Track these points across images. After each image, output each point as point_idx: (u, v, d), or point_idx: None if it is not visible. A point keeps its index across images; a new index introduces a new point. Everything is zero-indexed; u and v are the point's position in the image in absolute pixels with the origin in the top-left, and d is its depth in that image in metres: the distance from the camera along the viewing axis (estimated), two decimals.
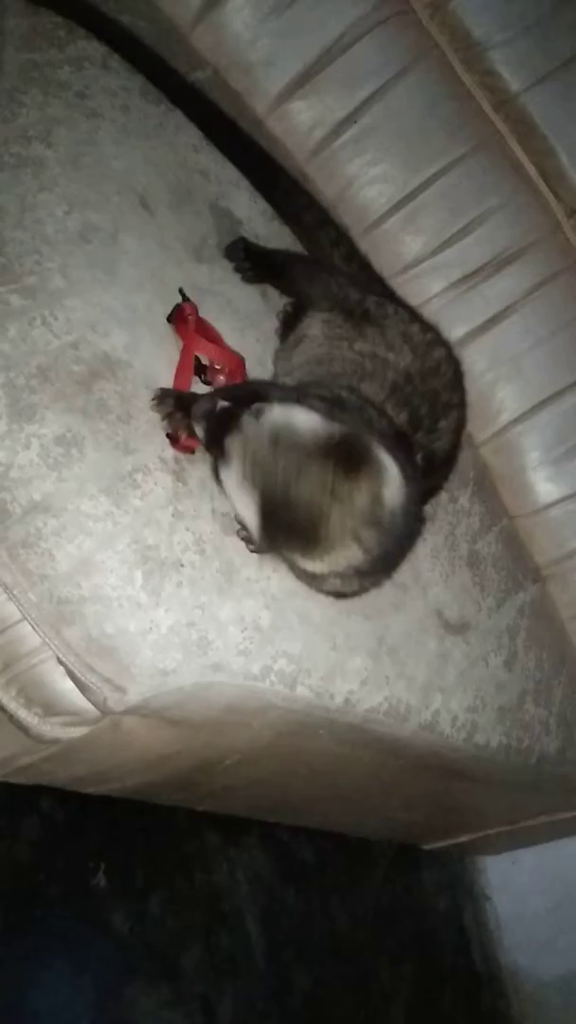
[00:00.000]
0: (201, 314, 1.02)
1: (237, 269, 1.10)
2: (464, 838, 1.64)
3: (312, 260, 1.20)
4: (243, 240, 1.11)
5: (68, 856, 1.28)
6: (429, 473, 1.04)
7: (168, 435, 0.91)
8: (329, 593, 0.95)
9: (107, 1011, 1.26)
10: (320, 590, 0.95)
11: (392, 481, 0.84)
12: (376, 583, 0.96)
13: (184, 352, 0.96)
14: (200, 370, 0.97)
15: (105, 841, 1.31)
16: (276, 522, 0.83)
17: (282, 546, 0.87)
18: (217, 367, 0.98)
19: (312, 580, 0.93)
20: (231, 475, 0.84)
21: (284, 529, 0.84)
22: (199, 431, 0.88)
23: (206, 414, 0.85)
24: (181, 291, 1.01)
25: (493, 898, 1.78)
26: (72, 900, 1.26)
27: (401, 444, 0.94)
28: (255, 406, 0.84)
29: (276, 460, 0.81)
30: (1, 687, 0.95)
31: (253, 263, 1.10)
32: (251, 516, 0.84)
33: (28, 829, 1.25)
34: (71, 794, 1.20)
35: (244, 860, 1.45)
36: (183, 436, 0.91)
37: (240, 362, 1.00)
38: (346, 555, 0.86)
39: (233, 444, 0.83)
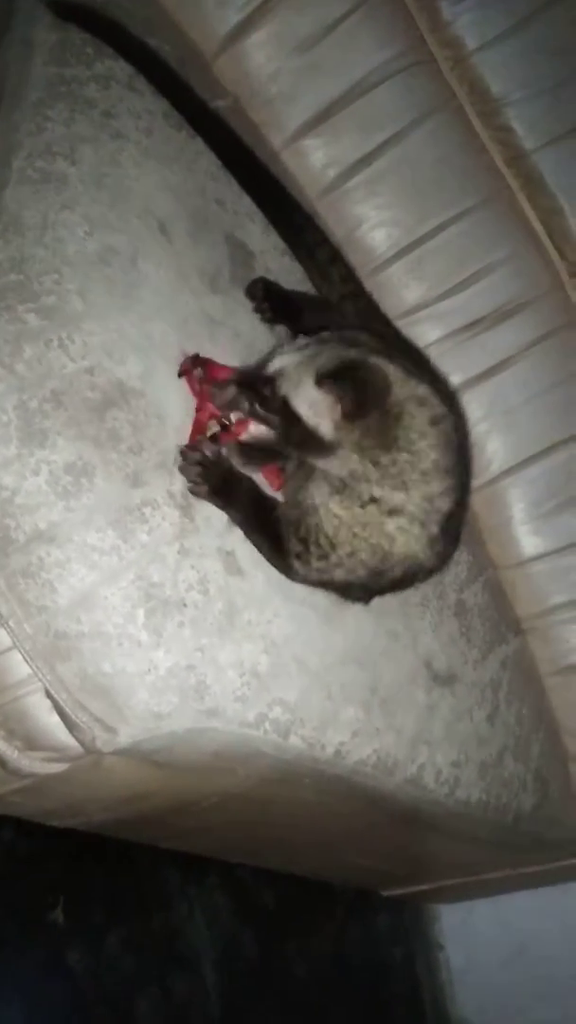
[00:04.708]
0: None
1: (256, 309, 1.09)
2: (424, 886, 1.62)
3: (326, 305, 1.19)
4: (263, 280, 1.10)
5: (26, 889, 1.23)
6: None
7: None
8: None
9: None
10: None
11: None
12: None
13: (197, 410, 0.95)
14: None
15: (65, 875, 1.26)
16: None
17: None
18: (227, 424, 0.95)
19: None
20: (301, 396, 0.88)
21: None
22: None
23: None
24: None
25: (446, 947, 1.76)
26: (28, 935, 1.21)
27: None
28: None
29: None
30: None
31: (272, 304, 1.09)
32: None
33: None
34: (33, 825, 1.15)
35: (204, 900, 1.41)
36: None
37: None
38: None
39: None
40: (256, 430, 0.92)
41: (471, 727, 1.15)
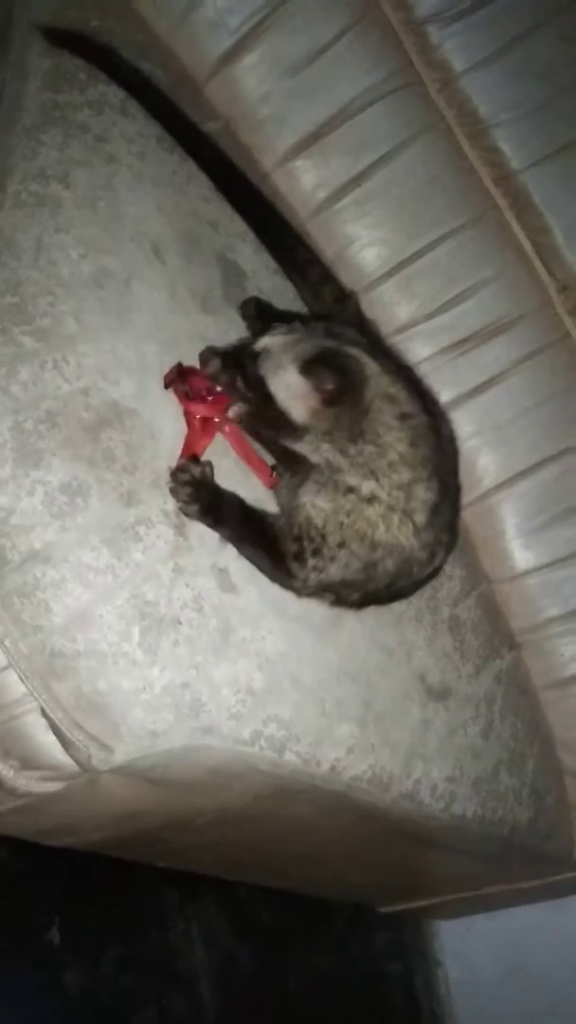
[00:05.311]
0: None
1: (249, 328, 1.10)
2: (421, 902, 1.62)
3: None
4: (256, 299, 1.12)
5: (22, 908, 1.23)
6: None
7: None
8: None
9: None
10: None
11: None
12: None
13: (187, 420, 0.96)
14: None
15: (61, 895, 1.26)
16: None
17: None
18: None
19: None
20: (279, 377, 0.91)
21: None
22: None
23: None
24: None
25: (445, 964, 1.75)
26: (24, 955, 1.21)
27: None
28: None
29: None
30: None
31: (265, 323, 1.10)
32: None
33: None
34: (29, 844, 1.15)
35: (201, 919, 1.41)
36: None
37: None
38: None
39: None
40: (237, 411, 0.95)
41: (466, 741, 1.16)
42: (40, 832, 1.11)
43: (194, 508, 0.91)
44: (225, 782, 0.95)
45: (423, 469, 0.96)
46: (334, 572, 0.96)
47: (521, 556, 1.43)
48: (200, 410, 0.95)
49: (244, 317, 1.11)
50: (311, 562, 0.95)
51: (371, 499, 0.94)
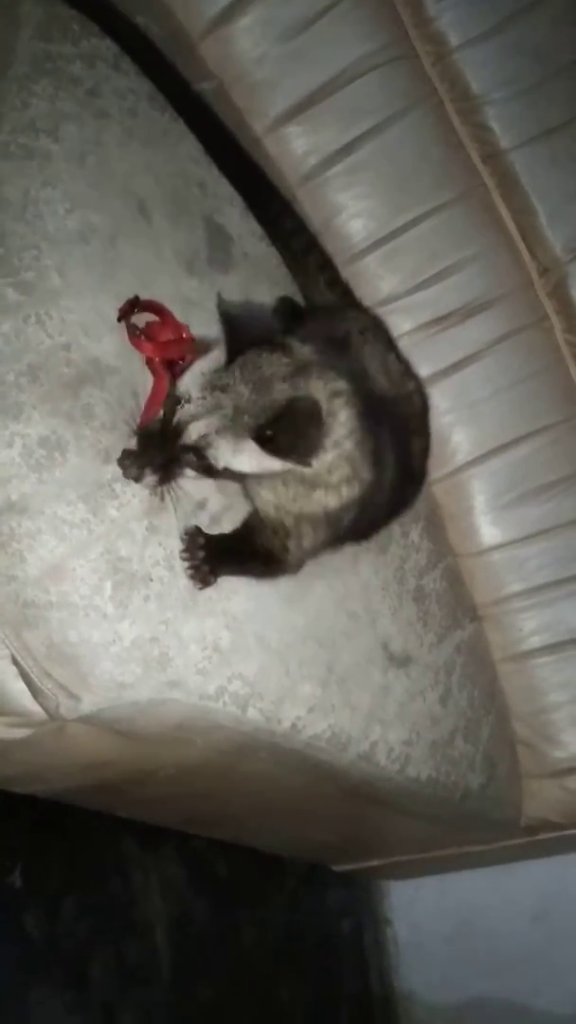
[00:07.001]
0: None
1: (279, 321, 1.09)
2: (374, 862, 1.67)
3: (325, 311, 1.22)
4: (290, 300, 1.14)
5: None
6: (406, 482, 1.08)
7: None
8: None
9: (6, 1014, 1.24)
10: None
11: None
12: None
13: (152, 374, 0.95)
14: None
15: (24, 840, 1.29)
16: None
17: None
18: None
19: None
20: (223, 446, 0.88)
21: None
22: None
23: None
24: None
25: (394, 923, 1.82)
26: None
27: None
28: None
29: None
30: None
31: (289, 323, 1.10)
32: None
33: None
34: None
35: (159, 869, 1.45)
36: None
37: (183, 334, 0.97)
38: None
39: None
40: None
41: (424, 707, 1.19)
42: (5, 778, 1.13)
43: (205, 570, 0.92)
44: (189, 736, 0.98)
45: (364, 436, 0.93)
46: (308, 544, 0.98)
47: (488, 532, 1.46)
48: (147, 349, 0.93)
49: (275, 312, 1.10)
50: (290, 544, 0.97)
51: (315, 484, 0.93)
